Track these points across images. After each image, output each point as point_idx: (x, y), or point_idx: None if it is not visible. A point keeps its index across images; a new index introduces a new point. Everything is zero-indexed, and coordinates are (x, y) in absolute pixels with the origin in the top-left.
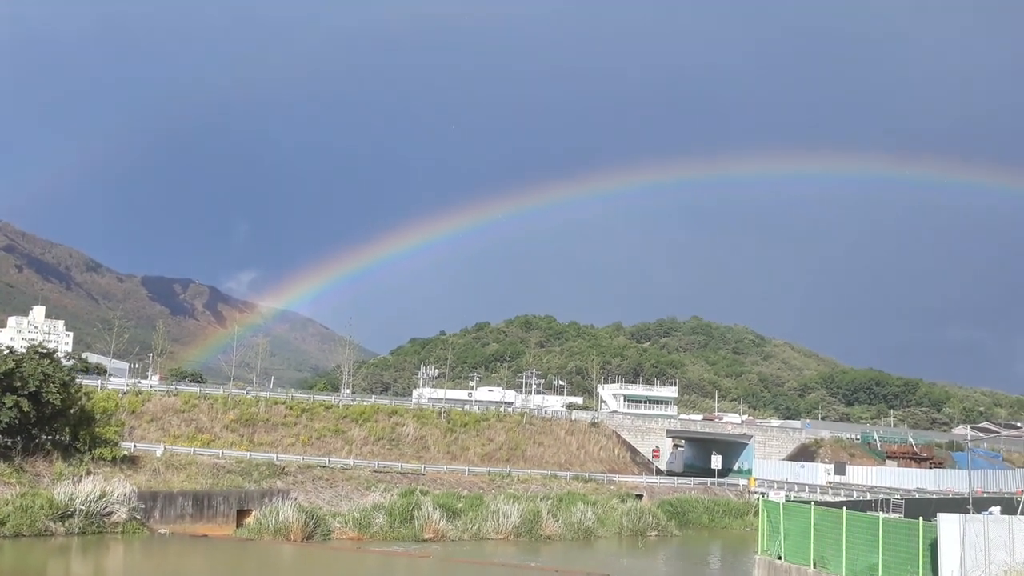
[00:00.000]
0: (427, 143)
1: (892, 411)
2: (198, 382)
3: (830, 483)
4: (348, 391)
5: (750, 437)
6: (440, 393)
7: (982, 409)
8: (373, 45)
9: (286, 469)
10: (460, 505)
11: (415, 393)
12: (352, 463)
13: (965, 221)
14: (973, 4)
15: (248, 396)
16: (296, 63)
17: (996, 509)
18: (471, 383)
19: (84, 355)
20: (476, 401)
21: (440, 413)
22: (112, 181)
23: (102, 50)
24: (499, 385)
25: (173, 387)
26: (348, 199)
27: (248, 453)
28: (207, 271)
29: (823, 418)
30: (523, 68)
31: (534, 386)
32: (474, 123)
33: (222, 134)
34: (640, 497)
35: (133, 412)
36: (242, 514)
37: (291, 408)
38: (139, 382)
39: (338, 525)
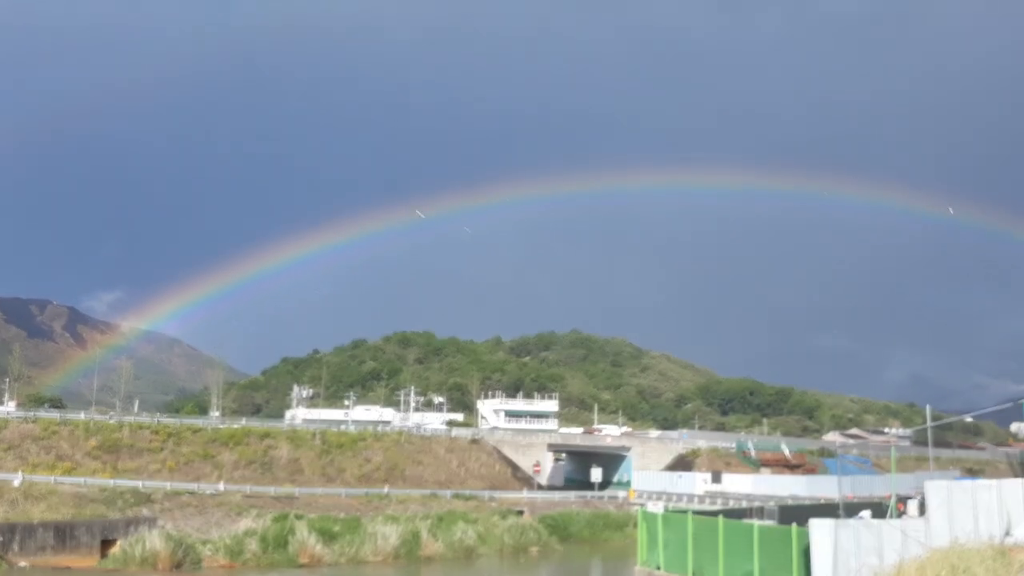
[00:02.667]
0: (300, 154)
1: (766, 419)
2: (58, 408)
3: (707, 492)
4: (217, 414)
5: (629, 449)
6: (315, 414)
7: (851, 416)
8: (243, 50)
9: (152, 496)
10: (337, 528)
11: (288, 414)
12: (222, 488)
13: (833, 231)
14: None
15: (111, 421)
16: (164, 68)
17: (866, 513)
18: (347, 402)
19: None
20: (353, 421)
21: (315, 434)
22: None
23: None
24: (377, 404)
25: (31, 413)
26: (216, 214)
27: (112, 481)
28: (66, 291)
29: (700, 428)
30: (404, 77)
31: (413, 404)
32: (351, 134)
33: (79, 147)
34: (521, 513)
35: None
36: (107, 544)
37: (157, 433)
38: None
39: (209, 553)
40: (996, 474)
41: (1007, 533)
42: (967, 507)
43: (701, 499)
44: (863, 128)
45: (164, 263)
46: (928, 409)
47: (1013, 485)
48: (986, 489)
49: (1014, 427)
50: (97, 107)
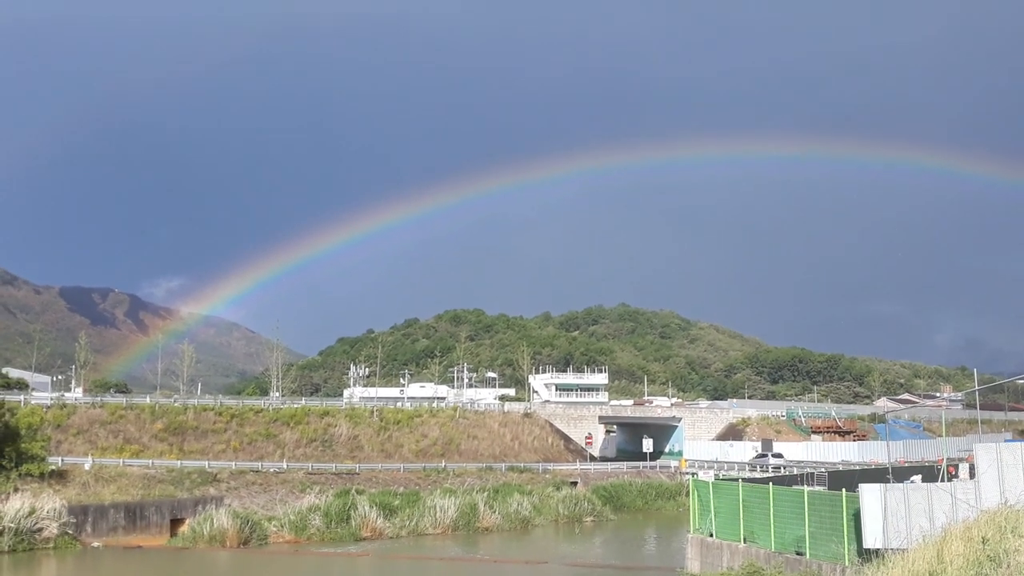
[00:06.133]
0: (350, 138)
1: (816, 387)
2: (123, 392)
3: (758, 460)
4: (278, 394)
5: (679, 419)
6: (372, 392)
7: (902, 381)
8: (294, 38)
9: (218, 476)
10: (396, 502)
11: (346, 393)
12: (285, 466)
13: (881, 196)
14: None
15: (175, 404)
16: (218, 56)
17: (917, 478)
18: (402, 380)
19: (4, 370)
20: (408, 398)
21: (372, 412)
22: (22, 189)
23: (2, 50)
24: (431, 381)
25: (98, 399)
26: (269, 199)
27: (179, 462)
28: (126, 279)
29: (749, 397)
30: (451, 64)
31: (466, 380)
32: (399, 115)
33: (137, 137)
34: (575, 484)
35: (59, 426)
36: (176, 523)
37: (220, 414)
38: (63, 395)
39: (274, 529)
40: None
41: None
42: (1017, 469)
43: (752, 467)
44: (910, 92)
45: (221, 249)
46: (976, 372)
47: None
48: None
49: None
50: (153, 96)
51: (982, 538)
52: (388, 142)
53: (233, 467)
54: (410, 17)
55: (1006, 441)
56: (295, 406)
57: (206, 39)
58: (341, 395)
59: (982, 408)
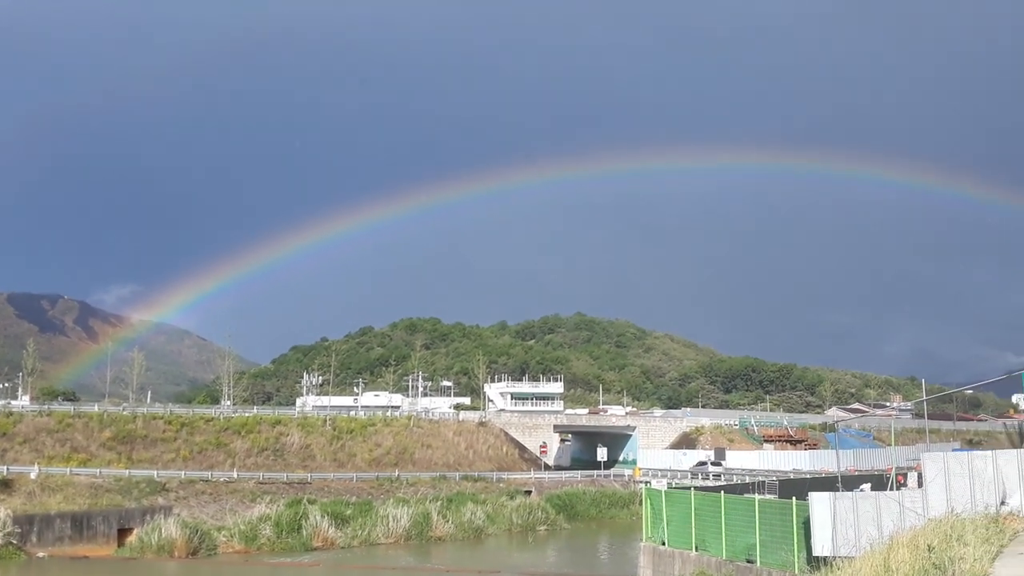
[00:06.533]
0: (307, 146)
1: (768, 396)
2: (71, 400)
3: (711, 468)
4: (229, 403)
5: (634, 428)
6: (325, 401)
7: (853, 391)
8: (250, 47)
9: (167, 485)
10: (349, 512)
11: (299, 402)
12: (236, 476)
13: (833, 208)
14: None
15: (124, 413)
16: (172, 63)
17: (866, 486)
18: (356, 389)
19: None
20: (362, 407)
21: (325, 421)
22: None
23: None
24: (385, 390)
25: (46, 407)
26: (222, 205)
27: (127, 471)
28: (77, 285)
29: (703, 406)
30: (409, 74)
31: (421, 389)
32: (357, 124)
33: (87, 142)
34: (529, 493)
35: (4, 434)
36: (123, 533)
37: (170, 423)
38: (9, 403)
39: (224, 539)
40: (995, 445)
41: (1002, 502)
42: (963, 478)
43: (705, 475)
44: (862, 104)
45: (173, 256)
46: (924, 383)
47: (1008, 455)
48: (982, 460)
49: (1015, 398)
50: (105, 102)
51: (928, 546)
52: (344, 151)
53: (182, 476)
54: (367, 27)
55: (953, 450)
56: (246, 415)
57: (158, 46)
58: (294, 404)
59: (931, 418)
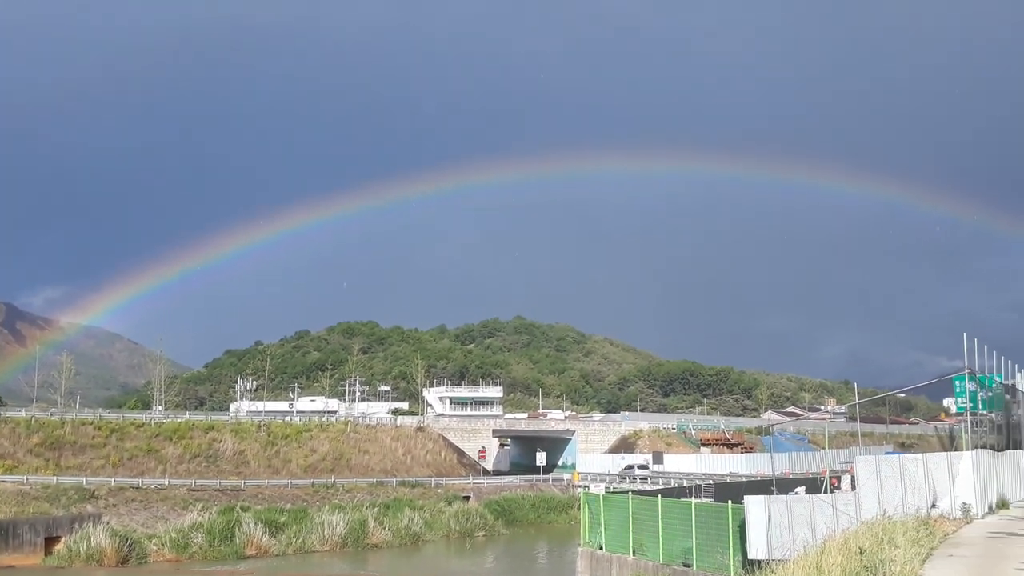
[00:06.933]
0: (240, 147)
1: (706, 400)
2: None
3: (649, 472)
4: (161, 408)
5: (573, 432)
6: (259, 406)
7: (788, 394)
8: (174, 45)
9: (96, 492)
10: (283, 519)
11: (233, 407)
12: (167, 482)
13: (770, 213)
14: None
15: (52, 418)
16: (105, 60)
17: (801, 489)
18: (292, 394)
19: None
20: (298, 412)
21: (260, 426)
22: None
23: None
24: (322, 395)
25: None
26: (155, 207)
27: (55, 478)
28: (2, 287)
29: (642, 410)
30: (343, 76)
31: (358, 394)
32: (293, 125)
33: (14, 143)
34: (468, 499)
35: None
36: (51, 542)
37: (100, 428)
38: None
39: (154, 547)
40: (927, 448)
41: (933, 505)
42: (895, 481)
43: (632, 479)
44: (800, 112)
45: (104, 258)
46: (856, 386)
47: (938, 459)
48: (913, 463)
49: (946, 402)
50: (33, 100)
51: (859, 548)
52: (277, 153)
53: (112, 483)
54: (297, 26)
55: (886, 453)
56: (178, 420)
57: (86, 44)
58: (227, 409)
59: (865, 421)
